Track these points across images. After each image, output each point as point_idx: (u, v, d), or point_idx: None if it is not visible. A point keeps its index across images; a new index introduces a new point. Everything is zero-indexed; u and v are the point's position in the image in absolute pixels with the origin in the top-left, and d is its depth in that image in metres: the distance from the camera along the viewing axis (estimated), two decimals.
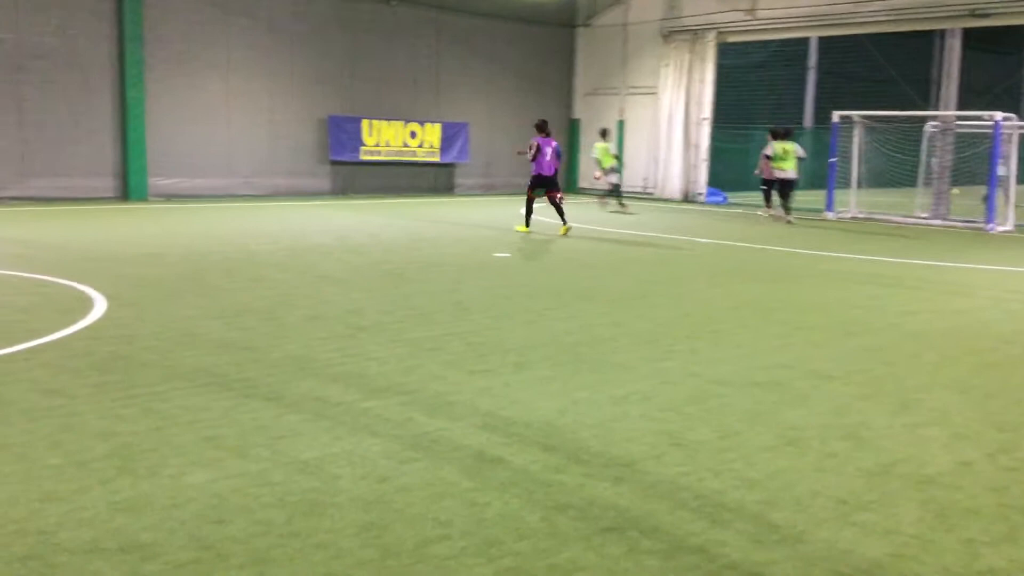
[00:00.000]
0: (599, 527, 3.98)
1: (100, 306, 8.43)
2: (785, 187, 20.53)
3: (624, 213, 22.00)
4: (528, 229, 16.66)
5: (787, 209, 20.51)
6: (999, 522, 4.17)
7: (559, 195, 16.60)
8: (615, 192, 23.11)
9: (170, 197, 21.21)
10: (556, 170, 16.63)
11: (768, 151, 20.64)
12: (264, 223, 16.88)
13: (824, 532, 4.00)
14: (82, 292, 9.12)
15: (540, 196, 16.83)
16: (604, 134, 23.51)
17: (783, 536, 3.95)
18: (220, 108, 22.22)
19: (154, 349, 6.90)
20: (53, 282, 9.71)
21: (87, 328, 7.54)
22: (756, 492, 4.44)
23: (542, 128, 16.81)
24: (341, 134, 24.22)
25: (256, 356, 6.76)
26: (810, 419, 5.67)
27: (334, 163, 24.42)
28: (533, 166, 16.66)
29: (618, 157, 23.71)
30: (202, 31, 21.64)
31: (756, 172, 21.77)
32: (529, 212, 16.75)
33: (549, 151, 16.56)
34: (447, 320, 8.46)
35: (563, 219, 16.36)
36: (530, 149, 16.63)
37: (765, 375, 6.73)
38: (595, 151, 23.26)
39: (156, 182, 21.16)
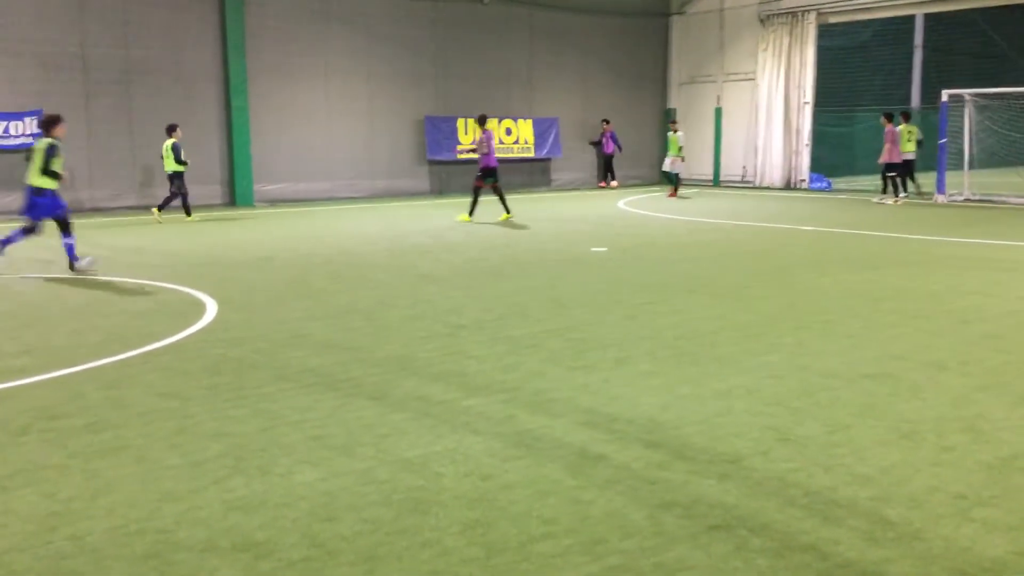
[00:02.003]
0: (706, 525, 3.91)
1: (211, 310, 8.72)
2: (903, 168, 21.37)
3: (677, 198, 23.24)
4: (471, 218, 17.25)
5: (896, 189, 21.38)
6: None
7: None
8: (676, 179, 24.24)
9: (275, 202, 21.83)
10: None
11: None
12: (365, 225, 17.20)
13: (942, 529, 3.85)
14: (194, 297, 9.46)
15: (489, 185, 17.39)
16: (673, 122, 25.16)
17: (899, 533, 3.81)
18: (320, 113, 22.74)
19: (263, 351, 7.11)
20: (167, 288, 10.10)
21: (199, 332, 7.81)
22: (869, 488, 4.30)
23: (483, 121, 17.55)
24: (437, 134, 24.48)
25: (360, 356, 6.90)
26: (925, 412, 5.46)
27: (431, 163, 24.70)
28: (481, 159, 17.30)
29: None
30: (302, 39, 22.18)
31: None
32: (475, 203, 17.32)
33: (493, 143, 17.44)
34: (546, 316, 8.45)
35: (506, 207, 17.54)
36: (480, 143, 17.28)
37: (876, 367, 6.51)
38: (681, 139, 24.30)
39: (261, 188, 21.81)
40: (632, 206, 20.94)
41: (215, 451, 4.85)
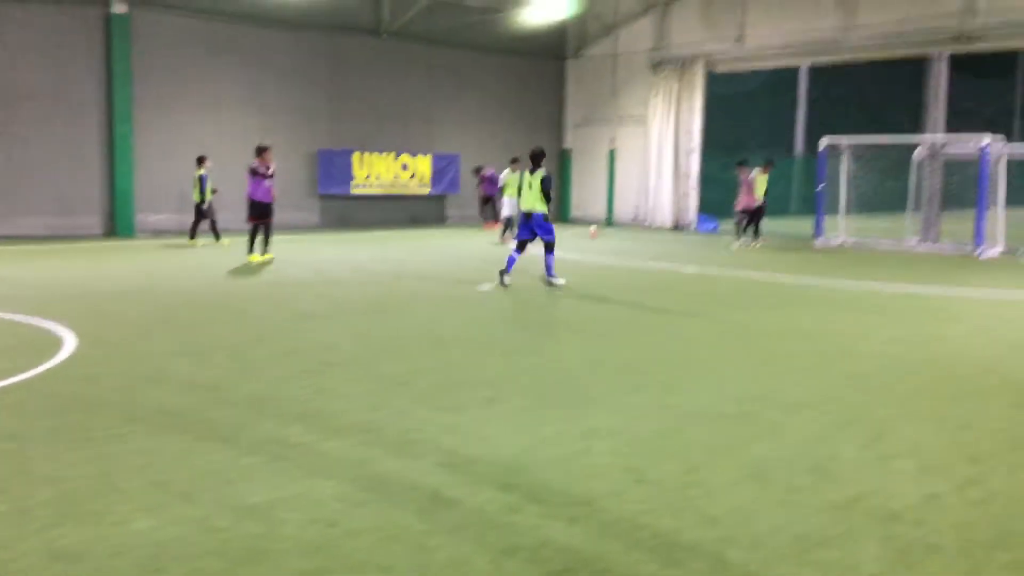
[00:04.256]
0: (549, 570, 3.86)
1: (70, 345, 8.32)
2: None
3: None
4: (260, 257, 16.02)
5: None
6: (961, 559, 4.06)
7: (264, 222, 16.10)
8: (507, 223, 21.18)
9: (158, 233, 21.18)
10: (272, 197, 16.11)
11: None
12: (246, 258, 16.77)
13: (780, 571, 3.89)
14: (55, 332, 9.01)
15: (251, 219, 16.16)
16: (514, 161, 21.35)
17: None
18: (210, 144, 22.20)
19: (118, 389, 6.80)
20: (28, 322, 9.60)
21: (54, 368, 7.43)
22: (715, 529, 4.33)
23: (259, 152, 16.13)
24: (331, 168, 24.25)
25: (221, 395, 6.66)
26: (779, 451, 5.56)
27: (324, 197, 24.41)
28: (250, 190, 16.00)
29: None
30: (192, 68, 21.72)
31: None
32: (256, 240, 16.13)
33: (255, 178, 15.91)
34: (422, 354, 8.36)
35: (254, 247, 16.06)
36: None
37: (739, 406, 6.63)
38: (504, 180, 21.55)
39: (144, 218, 21.15)
40: None
41: (45, 496, 4.57)
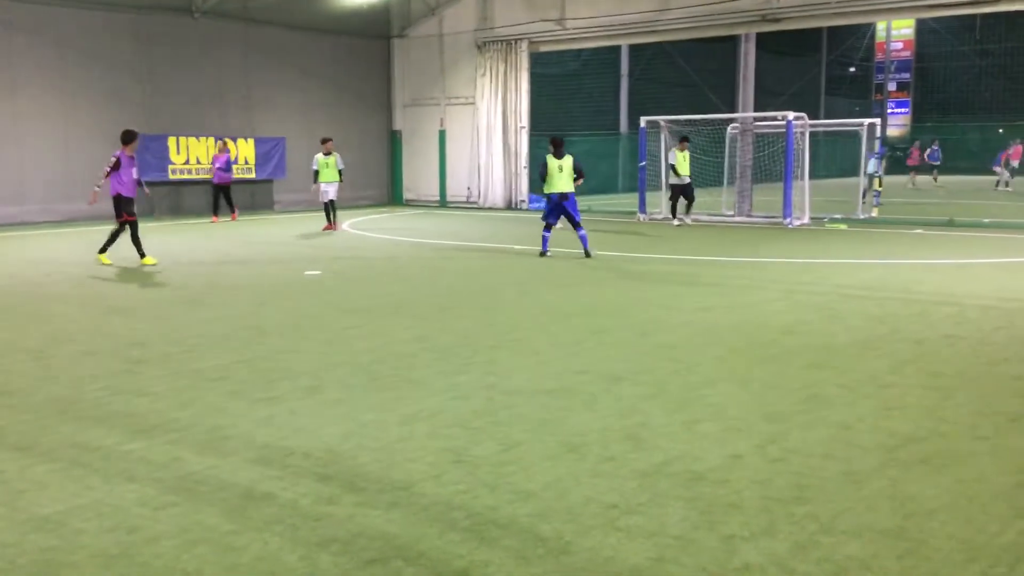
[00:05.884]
0: (362, 560, 3.81)
1: None
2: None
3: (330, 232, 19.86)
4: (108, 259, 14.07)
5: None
6: (760, 515, 4.28)
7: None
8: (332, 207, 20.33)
9: None
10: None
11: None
12: (56, 252, 15.77)
13: (590, 540, 3.98)
14: None
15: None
16: (325, 141, 20.55)
17: (549, 549, 3.90)
18: (7, 130, 20.72)
19: None
20: None
21: None
22: (529, 504, 4.39)
23: (125, 139, 13.69)
24: (145, 153, 23.00)
25: (14, 401, 6.21)
26: (594, 423, 5.70)
27: (140, 184, 23.15)
28: (112, 184, 13.67)
29: (341, 172, 20.32)
30: None
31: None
32: (114, 240, 14.09)
33: (134, 169, 13.79)
34: (240, 346, 8.08)
35: (104, 248, 14.08)
36: (111, 167, 13.59)
37: (558, 381, 6.75)
38: (317, 163, 20.23)
39: None
40: (357, 228, 20.75)
41: None
